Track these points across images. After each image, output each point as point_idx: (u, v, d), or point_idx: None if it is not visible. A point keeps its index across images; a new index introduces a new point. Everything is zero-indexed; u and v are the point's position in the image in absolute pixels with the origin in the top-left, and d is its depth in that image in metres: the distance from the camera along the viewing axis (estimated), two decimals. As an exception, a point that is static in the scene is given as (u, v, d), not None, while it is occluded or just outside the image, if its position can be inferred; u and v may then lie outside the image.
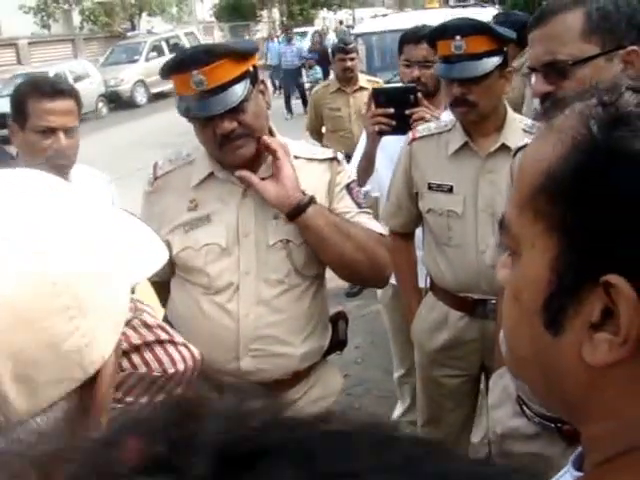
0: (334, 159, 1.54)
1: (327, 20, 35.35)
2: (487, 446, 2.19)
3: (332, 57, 4.44)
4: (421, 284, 2.09)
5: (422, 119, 1.99)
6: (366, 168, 2.23)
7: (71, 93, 1.70)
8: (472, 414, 2.11)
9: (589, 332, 0.44)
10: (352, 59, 4.20)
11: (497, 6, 7.44)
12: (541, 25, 1.20)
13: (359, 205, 1.53)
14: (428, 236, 1.95)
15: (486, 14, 6.27)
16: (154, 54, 16.48)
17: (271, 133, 1.50)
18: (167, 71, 1.42)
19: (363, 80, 4.32)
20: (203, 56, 1.34)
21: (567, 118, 0.47)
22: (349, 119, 4.27)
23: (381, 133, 2.06)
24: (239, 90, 1.36)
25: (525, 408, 1.44)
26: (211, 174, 1.47)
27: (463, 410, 2.06)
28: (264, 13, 30.59)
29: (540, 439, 1.42)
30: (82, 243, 0.50)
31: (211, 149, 1.45)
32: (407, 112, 2.01)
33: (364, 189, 2.21)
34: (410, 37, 2.40)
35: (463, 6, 7.32)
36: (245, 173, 1.40)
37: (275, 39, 15.60)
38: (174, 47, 16.91)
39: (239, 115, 1.37)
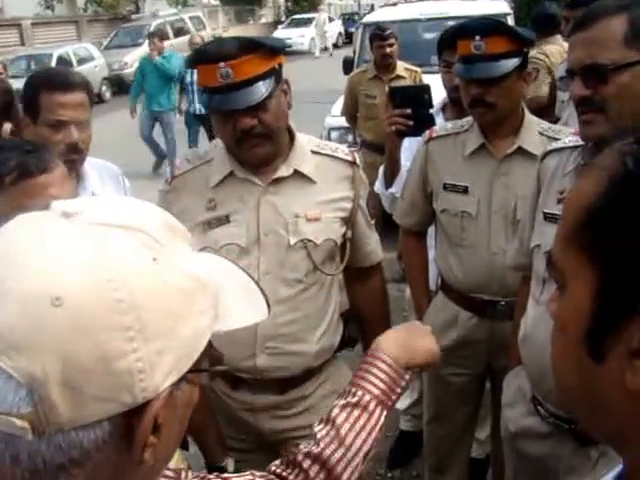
0: (354, 163, 1.55)
1: (332, 6, 35.04)
2: (491, 444, 2.21)
3: (370, 44, 4.38)
4: (431, 286, 2.09)
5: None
6: (390, 170, 2.19)
7: (83, 86, 1.67)
8: (477, 412, 2.13)
9: (630, 359, 0.46)
10: (391, 45, 4.11)
11: None
12: (583, 29, 1.19)
13: (367, 219, 1.61)
14: (441, 236, 1.95)
15: (496, 6, 6.20)
16: (158, 38, 16.35)
17: (290, 132, 1.50)
18: (194, 61, 1.41)
19: (401, 68, 4.25)
20: (232, 49, 1.33)
21: (606, 156, 0.50)
22: (384, 107, 4.24)
23: (400, 134, 2.02)
24: (263, 87, 1.35)
25: (540, 408, 1.45)
26: (231, 173, 1.47)
27: (468, 408, 2.07)
28: (269, -2, 30.37)
29: (552, 438, 1.44)
30: (164, 280, 0.51)
31: (228, 144, 1.44)
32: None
33: (390, 191, 2.20)
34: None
35: None
36: None
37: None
38: (179, 32, 16.75)
39: (261, 113, 1.36)
